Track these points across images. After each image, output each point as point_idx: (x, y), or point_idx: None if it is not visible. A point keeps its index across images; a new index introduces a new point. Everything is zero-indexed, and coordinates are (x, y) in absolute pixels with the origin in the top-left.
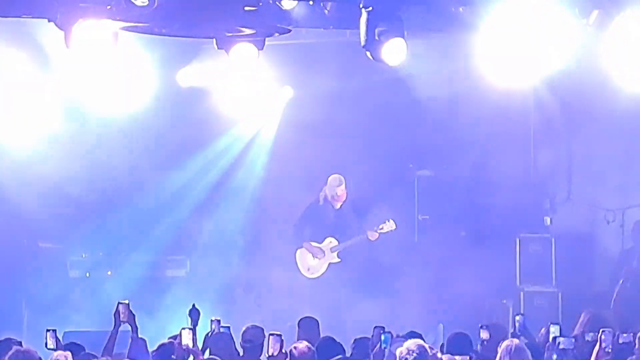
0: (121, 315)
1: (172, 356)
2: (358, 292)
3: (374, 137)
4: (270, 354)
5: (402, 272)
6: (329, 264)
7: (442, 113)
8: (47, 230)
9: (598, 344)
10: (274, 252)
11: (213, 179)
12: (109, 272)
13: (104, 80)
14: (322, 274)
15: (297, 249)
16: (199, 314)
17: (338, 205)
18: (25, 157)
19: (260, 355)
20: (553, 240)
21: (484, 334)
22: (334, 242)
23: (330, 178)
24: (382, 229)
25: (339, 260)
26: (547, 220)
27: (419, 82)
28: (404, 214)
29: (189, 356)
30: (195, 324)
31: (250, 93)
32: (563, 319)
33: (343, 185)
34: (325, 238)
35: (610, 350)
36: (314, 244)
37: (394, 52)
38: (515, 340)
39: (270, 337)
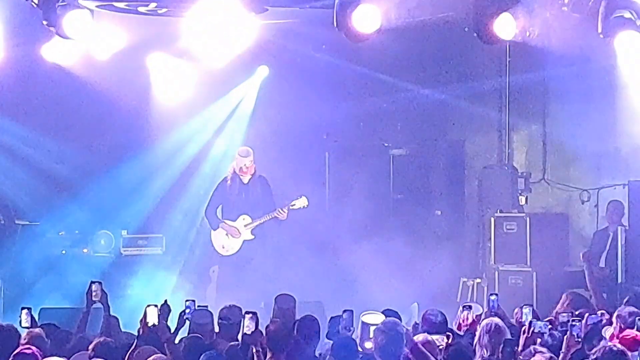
0: (93, 294)
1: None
2: (331, 271)
3: (348, 116)
4: (245, 332)
5: (376, 251)
6: (244, 241)
7: (416, 91)
8: (24, 208)
9: (568, 332)
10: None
11: (189, 155)
12: (85, 250)
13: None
14: (237, 251)
15: (211, 230)
16: (169, 311)
17: (246, 180)
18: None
19: (237, 334)
20: (528, 219)
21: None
22: (248, 220)
23: (239, 149)
24: (293, 205)
25: (253, 237)
26: (522, 199)
27: (394, 60)
28: (379, 193)
29: (155, 334)
30: (165, 319)
31: (227, 70)
32: (537, 298)
33: (251, 157)
34: (238, 215)
35: (580, 340)
36: (229, 222)
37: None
38: (495, 319)
39: (246, 315)
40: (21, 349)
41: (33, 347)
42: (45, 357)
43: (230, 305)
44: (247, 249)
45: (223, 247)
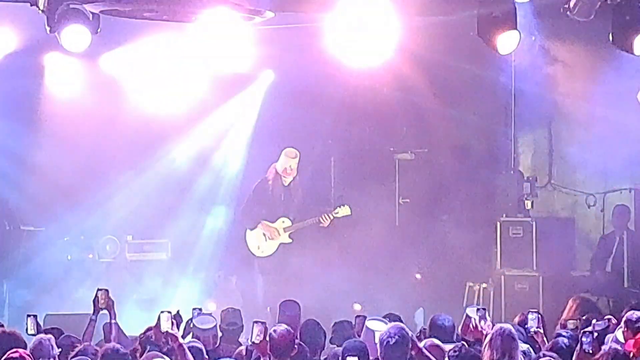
0: (100, 302)
1: (151, 339)
2: (337, 275)
3: (354, 122)
4: (253, 341)
5: (382, 255)
6: (280, 244)
7: (422, 96)
8: (29, 214)
9: (579, 345)
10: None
11: (194, 160)
12: (90, 255)
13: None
14: (273, 253)
15: (247, 229)
16: (181, 320)
17: (287, 182)
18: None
19: (238, 337)
20: (534, 224)
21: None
22: (287, 223)
23: (286, 150)
24: (337, 213)
25: (291, 240)
26: (528, 204)
27: (402, 65)
28: (385, 198)
29: (167, 340)
30: (177, 328)
31: (232, 77)
32: (544, 303)
33: (297, 159)
34: (277, 217)
35: (591, 352)
36: (268, 223)
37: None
38: (508, 325)
39: (254, 324)
40: (9, 355)
41: (20, 351)
42: None
43: (231, 309)
44: (283, 252)
45: (258, 248)
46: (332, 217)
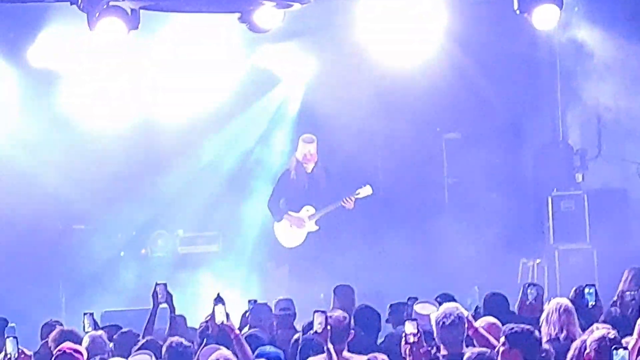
0: (159, 296)
1: (208, 332)
2: (391, 257)
3: (400, 104)
4: (315, 330)
5: (433, 236)
6: (308, 232)
7: (469, 75)
8: (81, 212)
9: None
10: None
11: (243, 152)
12: (143, 251)
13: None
14: (301, 243)
15: (275, 222)
16: (223, 302)
17: (310, 168)
18: (59, 146)
19: (293, 322)
20: (585, 197)
21: (533, 292)
22: (312, 210)
23: (302, 136)
24: (358, 194)
25: (318, 228)
26: (579, 177)
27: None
28: (433, 178)
29: (223, 332)
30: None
31: (276, 67)
32: (599, 276)
33: (315, 144)
34: (302, 206)
35: None
36: (292, 214)
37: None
38: (565, 300)
39: (315, 314)
40: (61, 348)
41: (71, 345)
42: (107, 358)
43: (284, 299)
44: (312, 240)
45: (287, 239)
46: (353, 199)
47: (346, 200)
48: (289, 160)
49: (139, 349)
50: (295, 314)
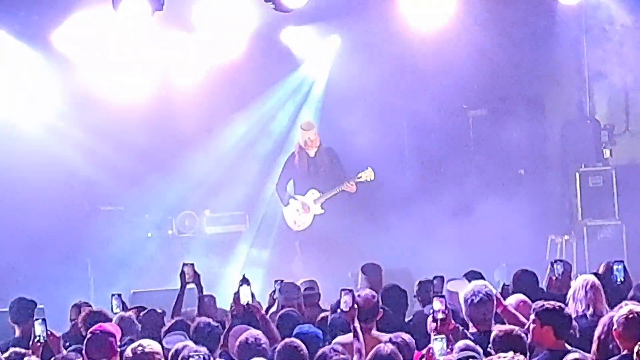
0: (187, 276)
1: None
2: (412, 235)
3: (425, 82)
4: (342, 309)
5: (460, 213)
6: (314, 215)
7: (493, 52)
8: (108, 192)
9: None
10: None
11: (267, 132)
12: (170, 231)
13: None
14: (309, 226)
15: (284, 207)
16: (248, 283)
17: (312, 153)
18: (85, 127)
19: (318, 301)
20: (613, 172)
21: (560, 268)
22: (317, 194)
23: (301, 123)
24: (359, 178)
25: (323, 211)
26: (606, 152)
27: (472, 22)
28: (459, 155)
29: (249, 312)
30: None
31: (301, 47)
32: (628, 252)
33: (315, 129)
34: (307, 190)
35: None
36: (298, 197)
37: None
38: (592, 277)
39: (342, 292)
40: (94, 329)
41: (106, 325)
42: (136, 339)
43: (308, 280)
44: (319, 223)
45: (295, 223)
46: (354, 183)
47: (347, 184)
48: (294, 145)
49: (169, 329)
50: (319, 294)
